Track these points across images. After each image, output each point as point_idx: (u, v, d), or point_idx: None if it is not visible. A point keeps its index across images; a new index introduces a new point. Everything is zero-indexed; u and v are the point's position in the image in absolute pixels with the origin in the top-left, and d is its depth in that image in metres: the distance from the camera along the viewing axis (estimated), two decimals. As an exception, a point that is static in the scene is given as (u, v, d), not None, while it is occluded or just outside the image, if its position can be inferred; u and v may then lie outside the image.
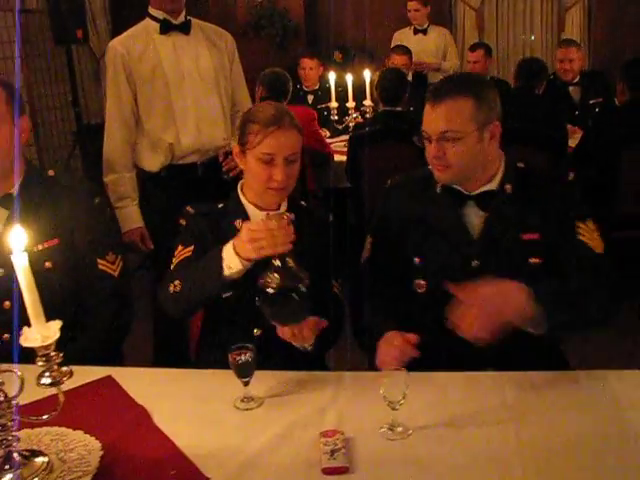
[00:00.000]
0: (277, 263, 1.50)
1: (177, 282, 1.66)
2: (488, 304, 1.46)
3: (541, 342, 1.78)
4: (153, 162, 2.64)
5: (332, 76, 4.33)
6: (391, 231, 1.82)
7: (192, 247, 1.75)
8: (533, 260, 1.66)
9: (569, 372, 1.67)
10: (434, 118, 1.65)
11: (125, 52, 2.53)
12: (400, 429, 1.39)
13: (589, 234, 1.65)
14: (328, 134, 4.50)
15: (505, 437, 1.37)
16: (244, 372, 1.52)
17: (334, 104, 4.29)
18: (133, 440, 1.42)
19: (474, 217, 1.73)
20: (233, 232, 1.69)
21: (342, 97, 4.31)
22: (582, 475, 1.26)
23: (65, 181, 1.93)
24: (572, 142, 3.82)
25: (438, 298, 1.61)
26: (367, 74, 4.25)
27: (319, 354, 1.84)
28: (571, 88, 4.62)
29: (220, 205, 1.85)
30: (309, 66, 4.90)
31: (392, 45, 5.31)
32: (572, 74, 4.58)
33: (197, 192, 2.58)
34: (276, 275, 1.48)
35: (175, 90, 2.58)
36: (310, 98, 4.96)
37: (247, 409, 1.52)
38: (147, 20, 2.62)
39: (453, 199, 1.74)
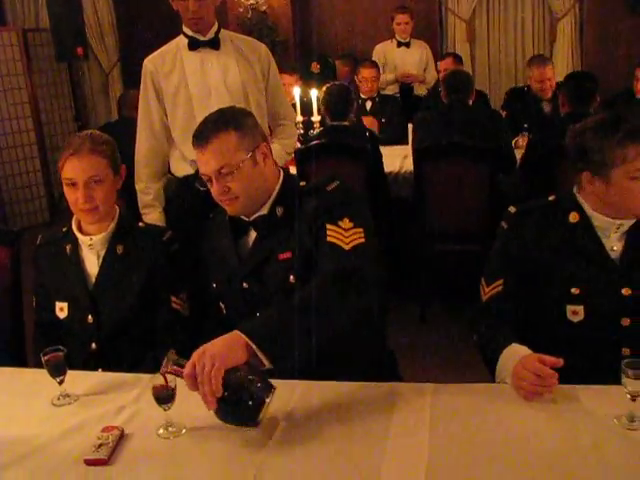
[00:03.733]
0: None
1: None
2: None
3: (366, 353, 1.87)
4: (180, 170, 2.78)
5: (297, 91, 4.48)
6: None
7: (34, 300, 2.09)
8: (292, 279, 1.72)
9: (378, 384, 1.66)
10: (206, 160, 1.74)
11: (154, 69, 2.69)
12: (173, 429, 1.52)
13: (338, 234, 1.66)
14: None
15: (263, 439, 1.46)
16: (56, 372, 1.67)
17: (299, 117, 4.43)
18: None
19: (250, 242, 1.83)
20: (64, 257, 1.98)
21: (308, 111, 4.46)
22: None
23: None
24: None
25: (235, 321, 1.70)
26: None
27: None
28: (544, 102, 4.63)
29: (64, 229, 2.06)
30: (288, 82, 5.05)
31: (373, 58, 5.42)
32: (550, 91, 4.60)
33: None
34: None
35: (199, 105, 2.66)
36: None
37: (62, 405, 1.68)
38: (180, 36, 2.75)
39: (234, 227, 1.84)
